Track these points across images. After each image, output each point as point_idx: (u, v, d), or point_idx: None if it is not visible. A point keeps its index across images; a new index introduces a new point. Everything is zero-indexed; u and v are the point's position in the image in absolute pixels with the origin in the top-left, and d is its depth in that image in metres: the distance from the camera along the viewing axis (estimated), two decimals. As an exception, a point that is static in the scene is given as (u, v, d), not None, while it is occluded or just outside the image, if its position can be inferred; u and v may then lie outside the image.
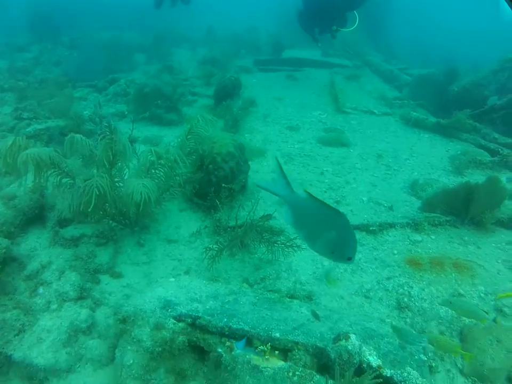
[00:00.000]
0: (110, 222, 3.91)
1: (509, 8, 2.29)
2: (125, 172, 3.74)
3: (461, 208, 4.46)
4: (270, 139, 6.38)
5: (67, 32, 14.20)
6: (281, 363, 2.40)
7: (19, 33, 13.53)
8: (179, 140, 4.16)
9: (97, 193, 3.15)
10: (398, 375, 2.35)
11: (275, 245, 3.64)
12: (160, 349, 2.56)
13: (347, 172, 5.63)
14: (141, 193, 3.20)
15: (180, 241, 4.06)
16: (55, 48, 12.26)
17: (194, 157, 4.25)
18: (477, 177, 5.48)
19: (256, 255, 3.85)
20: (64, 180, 3.60)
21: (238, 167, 4.35)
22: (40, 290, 3.23)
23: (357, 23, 8.53)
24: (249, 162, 5.03)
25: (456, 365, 2.87)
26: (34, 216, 4.04)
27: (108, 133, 3.43)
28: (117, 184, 3.61)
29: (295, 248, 3.59)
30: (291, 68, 11.36)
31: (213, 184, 4.22)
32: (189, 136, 4.11)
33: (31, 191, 4.01)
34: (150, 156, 3.64)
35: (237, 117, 6.06)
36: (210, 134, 4.23)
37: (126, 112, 7.45)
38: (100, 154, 3.42)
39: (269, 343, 2.46)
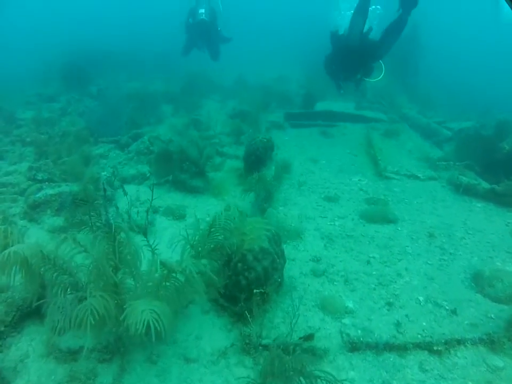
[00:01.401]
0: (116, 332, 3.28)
1: (509, 8, 2.31)
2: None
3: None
4: (306, 214, 5.73)
5: (96, 81, 14.40)
6: None
7: (51, 82, 13.81)
8: (199, 234, 3.53)
9: (92, 321, 2.54)
10: None
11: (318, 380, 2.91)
12: None
13: (397, 259, 4.89)
14: (148, 322, 2.56)
15: (201, 360, 3.37)
16: (82, 99, 12.22)
17: (219, 253, 3.62)
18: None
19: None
20: (60, 278, 3.04)
21: (273, 265, 3.70)
22: None
23: (383, 73, 8.15)
24: (284, 246, 4.41)
25: None
26: (31, 310, 3.49)
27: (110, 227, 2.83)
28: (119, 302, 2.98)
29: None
30: (324, 123, 10.90)
31: (242, 288, 3.58)
32: (212, 229, 3.49)
33: (28, 281, 3.47)
34: (159, 268, 2.99)
35: (270, 188, 5.49)
36: (238, 222, 3.59)
37: (148, 174, 7.03)
38: (97, 261, 2.80)
39: None
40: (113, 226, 2.65)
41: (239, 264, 3.57)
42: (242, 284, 3.58)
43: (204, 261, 3.47)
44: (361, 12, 7.67)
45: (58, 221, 5.36)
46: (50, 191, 5.69)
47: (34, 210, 5.51)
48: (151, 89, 13.76)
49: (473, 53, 26.26)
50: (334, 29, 8.25)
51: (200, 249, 3.36)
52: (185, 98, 12.75)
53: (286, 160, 7.33)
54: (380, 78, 8.25)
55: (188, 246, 3.36)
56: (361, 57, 8.00)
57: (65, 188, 5.82)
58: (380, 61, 8.22)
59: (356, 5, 7.72)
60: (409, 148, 8.95)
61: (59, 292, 2.94)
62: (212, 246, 3.54)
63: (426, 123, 11.24)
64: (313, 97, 12.23)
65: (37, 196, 5.63)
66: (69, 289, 3.04)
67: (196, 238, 3.40)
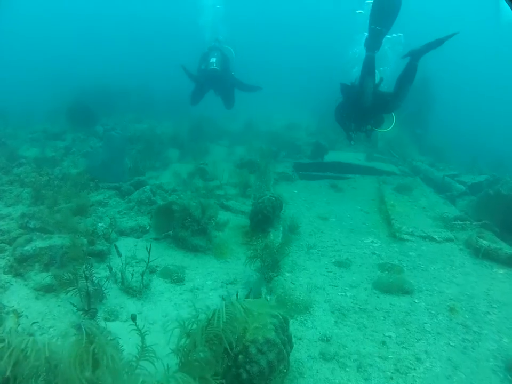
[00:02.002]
0: None
1: (509, 8, 2.33)
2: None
3: None
4: (316, 282, 5.32)
5: (103, 121, 14.41)
6: None
7: (59, 119, 13.73)
8: (197, 324, 3.07)
9: None
10: None
11: None
12: None
13: (415, 339, 4.42)
14: None
15: None
16: (87, 138, 11.95)
17: (217, 341, 3.17)
18: None
19: None
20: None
21: (279, 356, 3.28)
22: None
23: (393, 124, 8.02)
24: (291, 321, 4.00)
25: None
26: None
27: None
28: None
29: None
30: (334, 174, 10.70)
31: (242, 382, 3.14)
32: (210, 325, 3.06)
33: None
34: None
35: (277, 256, 5.12)
36: (241, 315, 3.13)
37: (148, 227, 6.70)
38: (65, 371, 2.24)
39: None
40: (85, 332, 2.25)
41: (241, 356, 3.14)
42: (243, 377, 3.14)
43: (200, 348, 3.07)
44: (370, 72, 7.62)
45: (47, 278, 4.97)
46: (40, 244, 5.32)
47: (21, 265, 5.11)
48: (158, 132, 13.82)
49: (483, 102, 26.47)
50: (344, 81, 8.21)
51: (196, 338, 2.96)
52: (192, 143, 12.70)
53: (295, 218, 7.01)
54: (390, 128, 8.10)
55: (184, 335, 2.99)
56: (374, 110, 7.94)
57: (57, 240, 5.46)
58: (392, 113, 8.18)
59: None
60: (423, 205, 8.60)
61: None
62: (210, 335, 3.13)
63: (439, 177, 10.96)
64: (322, 147, 12.08)
65: (25, 248, 5.25)
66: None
67: (193, 327, 3.01)
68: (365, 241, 6.75)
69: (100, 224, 6.42)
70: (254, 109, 18.73)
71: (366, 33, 7.71)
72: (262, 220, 6.22)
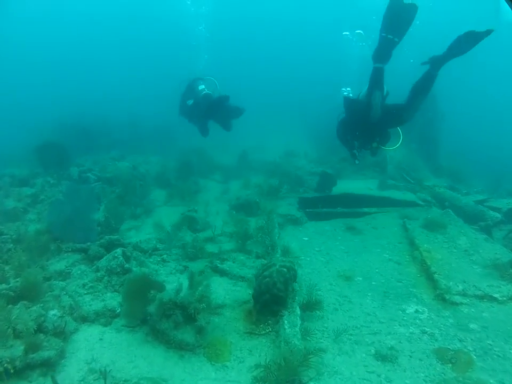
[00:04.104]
0: None
1: (509, 8, 2.29)
2: None
3: None
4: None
5: (81, 160, 12.75)
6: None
7: (30, 160, 11.57)
8: None
9: None
10: None
11: None
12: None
13: None
14: None
15: None
16: (59, 183, 10.15)
17: None
18: None
19: None
20: None
21: None
22: None
23: (400, 141, 7.28)
24: None
25: None
26: None
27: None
28: None
29: None
30: (347, 210, 9.08)
31: None
32: None
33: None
34: None
35: (299, 371, 3.40)
36: None
37: (118, 310, 5.00)
38: None
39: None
40: None
41: None
42: None
43: None
44: (378, 85, 6.69)
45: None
46: None
47: None
48: (142, 170, 12.22)
49: (487, 108, 25.18)
50: (346, 93, 7.58)
51: None
52: (180, 181, 11.14)
53: (312, 285, 5.30)
54: (397, 146, 7.31)
55: None
56: (382, 124, 7.07)
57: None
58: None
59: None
60: (463, 246, 6.95)
61: None
62: None
63: (468, 204, 9.38)
64: (330, 177, 10.54)
65: None
66: None
67: None
68: (407, 311, 5.06)
69: (51, 313, 4.73)
70: (246, 135, 17.26)
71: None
72: (271, 300, 4.50)
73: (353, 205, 9.47)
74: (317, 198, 10.07)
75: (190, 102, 9.81)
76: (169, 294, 4.56)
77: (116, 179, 10.41)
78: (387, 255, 6.70)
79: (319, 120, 19.59)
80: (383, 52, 6.47)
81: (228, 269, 5.85)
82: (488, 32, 5.67)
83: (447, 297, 5.31)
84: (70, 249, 6.38)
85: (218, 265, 5.94)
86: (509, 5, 2.25)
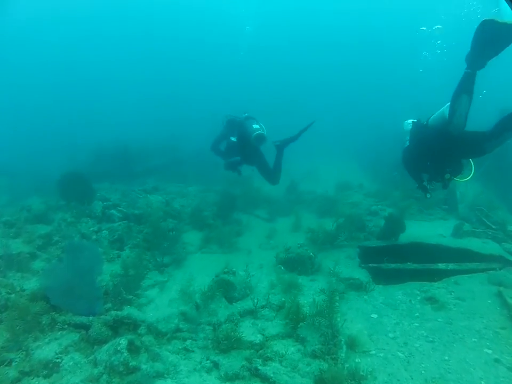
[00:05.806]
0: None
1: (509, 8, 2.42)
2: None
3: None
4: None
5: (111, 189, 11.69)
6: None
7: (52, 192, 10.46)
8: None
9: None
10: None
11: None
12: None
13: None
14: None
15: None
16: (78, 221, 8.73)
17: None
18: None
19: None
20: None
21: None
22: None
23: (473, 171, 6.46)
24: None
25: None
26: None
27: None
28: None
29: None
30: (418, 266, 7.07)
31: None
32: None
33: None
34: None
35: None
36: None
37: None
38: None
39: None
40: None
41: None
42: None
43: None
44: (467, 89, 5.67)
45: None
46: None
47: None
48: (177, 205, 10.80)
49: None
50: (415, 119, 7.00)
51: None
52: (219, 221, 9.63)
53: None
54: (469, 178, 6.49)
55: None
56: (460, 149, 6.21)
57: None
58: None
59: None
60: None
61: None
62: None
63: None
64: (397, 222, 8.55)
65: None
66: None
67: None
68: None
69: None
70: (294, 160, 15.61)
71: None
72: None
73: (425, 258, 7.46)
74: (381, 248, 8.13)
75: (234, 138, 8.55)
76: None
77: (145, 216, 9.04)
78: (490, 351, 4.64)
79: (373, 147, 17.75)
80: (476, 59, 5.62)
81: (272, 375, 4.07)
82: None
83: None
84: (67, 324, 4.89)
85: (260, 367, 4.18)
86: (509, 5, 2.22)
